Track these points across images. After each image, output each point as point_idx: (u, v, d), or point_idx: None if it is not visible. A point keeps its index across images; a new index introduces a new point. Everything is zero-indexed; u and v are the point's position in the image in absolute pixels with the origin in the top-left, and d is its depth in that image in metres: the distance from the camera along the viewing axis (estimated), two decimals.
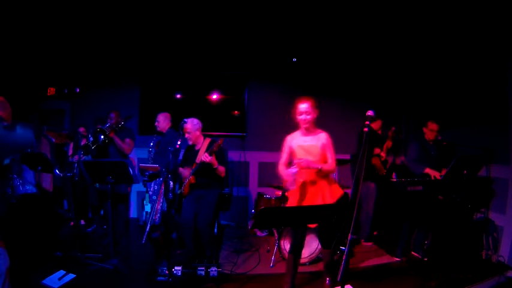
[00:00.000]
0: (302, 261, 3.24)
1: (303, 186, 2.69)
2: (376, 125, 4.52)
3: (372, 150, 4.42)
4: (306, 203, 2.65)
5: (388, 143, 4.43)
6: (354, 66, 5.60)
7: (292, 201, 2.74)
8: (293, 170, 2.47)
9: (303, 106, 2.64)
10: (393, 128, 4.42)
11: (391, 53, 5.20)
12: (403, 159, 4.31)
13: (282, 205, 3.92)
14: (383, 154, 4.46)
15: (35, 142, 1.91)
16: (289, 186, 2.58)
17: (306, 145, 2.67)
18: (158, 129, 4.26)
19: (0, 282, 1.94)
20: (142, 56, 5.40)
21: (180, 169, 3.49)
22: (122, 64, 5.43)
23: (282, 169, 2.68)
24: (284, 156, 2.73)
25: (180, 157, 3.66)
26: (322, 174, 2.63)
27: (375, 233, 4.61)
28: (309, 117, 2.63)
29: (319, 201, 2.63)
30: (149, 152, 4.43)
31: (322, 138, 2.64)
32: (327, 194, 2.64)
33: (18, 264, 2.47)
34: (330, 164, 2.61)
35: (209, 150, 3.10)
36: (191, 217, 3.33)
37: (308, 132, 2.68)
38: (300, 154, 2.66)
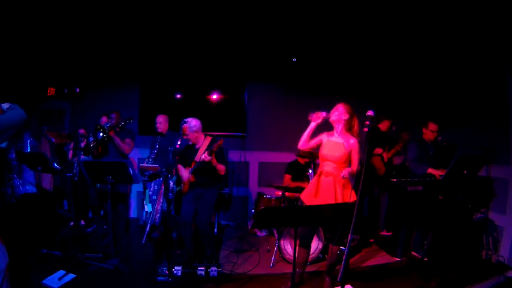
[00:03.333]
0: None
1: (319, 178, 2.96)
2: (383, 126, 4.52)
3: (373, 150, 4.43)
4: (319, 195, 2.90)
5: (399, 146, 4.42)
6: (354, 66, 5.60)
7: (307, 192, 3.03)
8: (323, 114, 2.89)
9: (337, 106, 2.95)
10: (406, 135, 4.41)
11: (392, 54, 5.19)
12: (403, 159, 4.31)
13: (282, 205, 3.93)
14: (385, 155, 4.46)
15: (26, 116, 1.96)
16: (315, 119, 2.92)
17: (334, 141, 2.93)
18: (159, 130, 4.31)
19: (0, 280, 1.94)
20: (142, 56, 5.39)
21: (179, 166, 3.49)
22: (122, 64, 5.42)
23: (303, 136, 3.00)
24: (313, 139, 3.02)
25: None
26: (343, 170, 2.86)
27: (390, 233, 4.61)
28: (336, 113, 2.91)
29: (331, 196, 2.83)
30: (153, 153, 4.38)
31: (350, 142, 2.88)
32: (339, 192, 2.84)
33: (18, 264, 2.46)
34: (353, 166, 2.86)
35: (209, 149, 3.10)
36: (191, 216, 3.33)
37: (340, 133, 2.95)
38: (325, 147, 2.95)
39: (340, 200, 2.80)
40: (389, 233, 4.62)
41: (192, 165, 3.33)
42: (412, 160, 3.73)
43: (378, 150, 4.43)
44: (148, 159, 4.30)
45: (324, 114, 2.88)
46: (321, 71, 5.63)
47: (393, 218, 4.59)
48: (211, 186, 3.39)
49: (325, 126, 3.03)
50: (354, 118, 2.94)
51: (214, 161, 3.18)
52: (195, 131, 3.38)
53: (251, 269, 3.41)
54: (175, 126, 3.69)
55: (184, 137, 3.37)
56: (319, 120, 2.89)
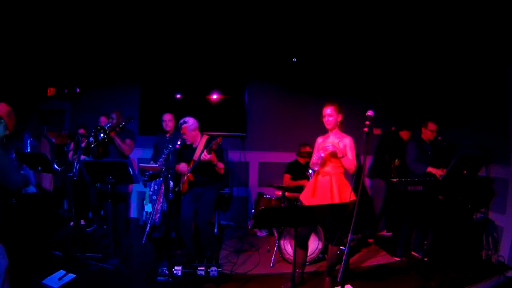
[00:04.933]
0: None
1: (317, 177, 2.99)
2: (405, 134, 4.56)
3: (393, 153, 4.51)
4: (316, 195, 2.94)
5: None
6: (354, 66, 5.60)
7: (305, 191, 3.08)
8: (321, 154, 2.84)
9: (327, 110, 2.93)
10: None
11: (392, 53, 5.20)
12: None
13: (282, 205, 3.93)
14: (397, 162, 4.50)
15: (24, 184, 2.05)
16: (315, 167, 2.97)
17: (330, 141, 2.94)
18: (167, 128, 4.27)
19: (0, 282, 1.94)
20: (142, 56, 5.40)
21: (178, 166, 3.50)
22: (122, 64, 5.43)
23: (312, 159, 2.99)
24: (315, 152, 3.05)
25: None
26: (340, 169, 2.91)
27: (390, 233, 4.61)
28: (331, 118, 2.91)
29: (327, 196, 2.84)
30: (165, 153, 4.16)
31: (345, 140, 2.91)
32: (336, 191, 2.84)
33: (18, 264, 2.47)
34: (351, 160, 2.84)
35: (208, 148, 3.10)
36: (190, 216, 3.34)
37: (334, 134, 2.97)
38: (323, 148, 2.91)
39: (336, 199, 2.80)
40: (390, 233, 4.63)
41: (191, 164, 3.33)
42: (412, 160, 3.73)
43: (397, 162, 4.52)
44: (159, 159, 4.25)
45: (321, 154, 2.85)
46: (321, 71, 5.63)
47: (393, 218, 4.59)
48: (210, 186, 3.39)
49: (323, 127, 3.04)
50: (342, 113, 2.97)
51: (215, 159, 3.17)
52: (193, 130, 3.38)
53: (251, 269, 3.41)
54: (175, 127, 3.69)
55: (184, 136, 3.37)
56: (319, 161, 2.89)
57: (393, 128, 4.74)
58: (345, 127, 3.01)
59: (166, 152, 4.16)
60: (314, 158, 2.92)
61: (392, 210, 4.58)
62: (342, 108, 2.97)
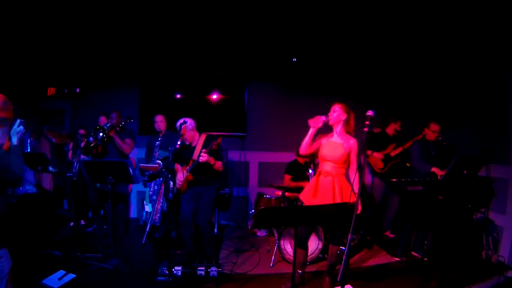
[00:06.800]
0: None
1: (318, 177, 2.97)
2: (391, 130, 4.51)
3: (375, 147, 4.44)
4: (318, 195, 2.91)
5: (404, 146, 4.34)
6: (354, 66, 5.59)
7: (306, 191, 3.05)
8: (322, 118, 2.84)
9: (334, 107, 2.95)
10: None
11: (392, 53, 5.20)
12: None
13: (282, 205, 3.93)
14: (376, 154, 4.39)
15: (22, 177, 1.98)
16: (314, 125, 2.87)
17: (333, 142, 2.93)
18: (159, 129, 4.34)
19: (3, 284, 1.94)
20: (142, 57, 5.39)
21: (177, 166, 3.50)
22: (122, 64, 5.42)
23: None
24: (313, 142, 2.97)
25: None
26: (342, 170, 2.90)
27: (392, 235, 4.58)
28: (335, 114, 2.90)
29: (329, 196, 2.83)
30: (155, 152, 4.36)
31: (350, 141, 2.88)
32: (338, 192, 2.83)
33: (18, 265, 2.47)
34: (353, 169, 2.87)
35: (208, 148, 3.10)
36: (190, 215, 3.34)
37: (339, 134, 2.94)
38: (325, 148, 2.94)
39: (338, 200, 2.80)
40: (393, 236, 4.58)
41: (190, 164, 3.33)
42: (417, 160, 3.74)
43: (367, 152, 4.41)
44: (153, 159, 4.28)
45: (323, 118, 2.85)
46: (321, 71, 5.62)
47: (397, 219, 4.55)
48: (209, 185, 3.40)
49: (324, 128, 3.03)
50: (350, 115, 2.95)
51: (212, 160, 3.19)
52: (192, 130, 3.41)
53: (251, 269, 3.41)
54: (174, 127, 3.70)
55: (184, 137, 3.38)
56: (320, 125, 2.85)
57: (379, 130, 4.69)
58: (353, 128, 2.97)
59: (154, 152, 4.21)
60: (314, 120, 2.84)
61: (390, 209, 4.55)
62: (351, 110, 2.94)
